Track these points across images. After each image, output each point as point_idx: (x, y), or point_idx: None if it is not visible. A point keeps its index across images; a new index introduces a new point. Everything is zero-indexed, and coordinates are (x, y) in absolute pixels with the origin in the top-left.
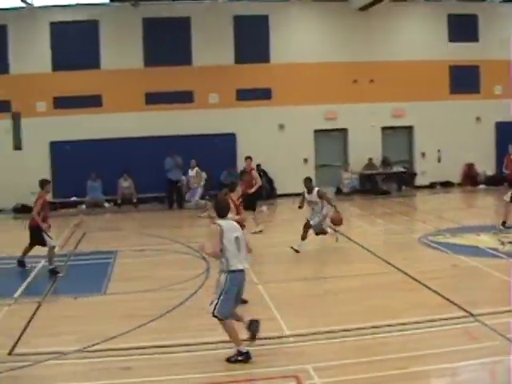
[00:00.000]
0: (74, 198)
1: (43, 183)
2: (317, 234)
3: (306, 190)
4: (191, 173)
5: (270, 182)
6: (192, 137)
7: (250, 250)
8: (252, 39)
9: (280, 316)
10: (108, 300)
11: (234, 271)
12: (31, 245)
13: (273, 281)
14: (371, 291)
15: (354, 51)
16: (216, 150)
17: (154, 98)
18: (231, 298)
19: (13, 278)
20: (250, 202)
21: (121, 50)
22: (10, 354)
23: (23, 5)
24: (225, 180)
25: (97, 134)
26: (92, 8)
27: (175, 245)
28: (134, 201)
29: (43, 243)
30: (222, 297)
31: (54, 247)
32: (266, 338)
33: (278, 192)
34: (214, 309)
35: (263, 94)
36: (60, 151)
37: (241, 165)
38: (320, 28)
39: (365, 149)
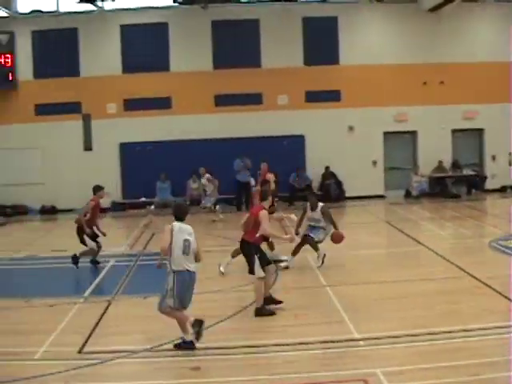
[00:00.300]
0: (143, 199)
1: (95, 189)
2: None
3: (309, 206)
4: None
5: (338, 184)
6: (261, 138)
7: (199, 259)
8: (321, 41)
9: (348, 319)
10: None
11: (178, 271)
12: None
13: (341, 283)
14: (441, 296)
15: (423, 53)
16: (285, 152)
17: (223, 100)
18: (178, 295)
19: (83, 277)
20: None
21: (190, 53)
22: (79, 352)
23: (94, 8)
24: (293, 182)
25: (166, 136)
26: (161, 11)
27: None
28: (202, 201)
29: (85, 243)
30: (167, 294)
31: (97, 250)
32: (335, 341)
33: (347, 194)
34: (160, 305)
35: (332, 96)
36: (129, 152)
37: (310, 166)
38: (389, 29)
39: (435, 151)
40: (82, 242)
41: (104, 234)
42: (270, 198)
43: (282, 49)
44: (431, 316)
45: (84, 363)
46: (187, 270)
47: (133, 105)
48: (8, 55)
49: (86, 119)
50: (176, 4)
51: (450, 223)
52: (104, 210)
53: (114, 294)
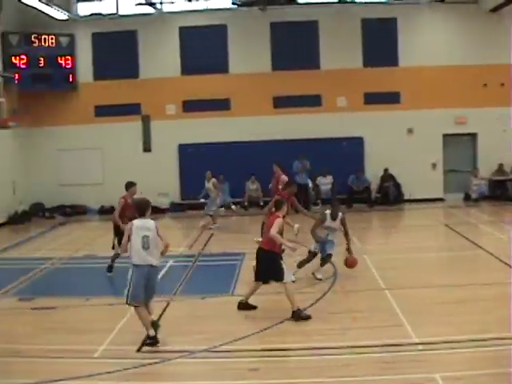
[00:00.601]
0: (201, 200)
1: (127, 186)
2: (322, 265)
3: (330, 214)
4: (207, 185)
5: (397, 186)
6: (319, 140)
7: (163, 252)
8: (380, 42)
9: (407, 322)
10: (236, 301)
11: (137, 265)
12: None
13: (400, 287)
14: (502, 301)
15: (484, 54)
16: (343, 154)
17: (282, 102)
18: (138, 288)
19: None
20: None
21: (249, 54)
22: (138, 350)
23: (153, 10)
24: (352, 184)
25: (225, 137)
26: (220, 13)
27: (302, 248)
28: (261, 203)
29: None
30: (130, 287)
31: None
32: (393, 345)
33: (406, 197)
34: (127, 298)
35: (391, 98)
36: (188, 153)
37: (368, 169)
38: (449, 30)
39: (495, 154)
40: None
41: None
42: (285, 207)
43: (340, 50)
44: (490, 321)
45: (142, 362)
46: (148, 265)
47: (192, 106)
48: (68, 57)
49: (146, 120)
50: (234, 6)
51: (510, 227)
52: (163, 211)
53: (173, 295)
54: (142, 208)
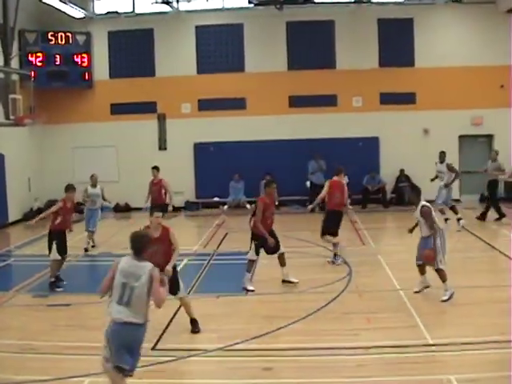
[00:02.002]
0: (216, 199)
1: (67, 188)
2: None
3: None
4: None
5: (412, 187)
6: (335, 140)
7: (159, 303)
8: (396, 42)
9: (422, 324)
10: (250, 300)
11: (113, 320)
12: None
13: (415, 288)
14: None
15: (501, 55)
16: (359, 154)
17: (298, 101)
18: (113, 348)
19: None
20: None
21: (265, 53)
22: (153, 348)
23: (169, 9)
24: (367, 184)
25: (240, 136)
26: (237, 12)
27: (317, 248)
28: (276, 203)
29: (49, 249)
30: (105, 344)
31: (57, 260)
32: (407, 346)
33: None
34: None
35: (407, 98)
36: (204, 152)
37: (383, 169)
38: (466, 31)
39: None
40: (49, 248)
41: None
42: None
43: (356, 50)
44: (506, 323)
45: (157, 360)
46: (119, 322)
47: (207, 105)
48: (85, 55)
49: (161, 119)
50: (251, 5)
51: None
52: (178, 209)
53: (187, 293)
54: (135, 243)
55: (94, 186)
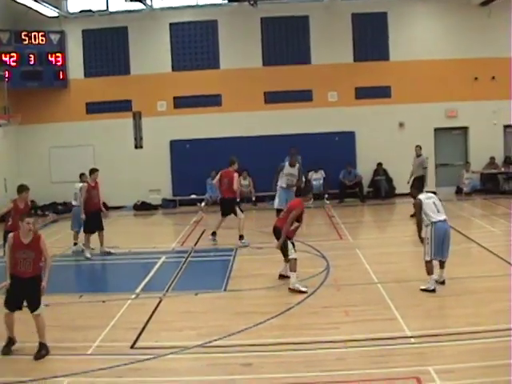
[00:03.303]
0: (193, 196)
1: (19, 189)
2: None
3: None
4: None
5: (389, 181)
6: (311, 135)
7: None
8: (371, 37)
9: (401, 316)
10: (228, 296)
11: None
12: None
13: (392, 280)
14: (495, 294)
15: (474, 48)
16: (335, 149)
17: (273, 97)
18: None
19: (134, 274)
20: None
21: (239, 50)
22: (132, 347)
23: (143, 7)
24: (344, 178)
25: (216, 133)
26: (211, 8)
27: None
28: (253, 199)
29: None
30: None
31: None
32: (386, 339)
33: (397, 191)
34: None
35: (382, 92)
36: (180, 149)
37: (361, 163)
38: (439, 24)
39: (486, 148)
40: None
41: None
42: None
43: (331, 45)
44: (483, 314)
45: (137, 358)
46: None
47: (183, 102)
48: (59, 54)
49: (137, 117)
50: (225, 1)
51: (502, 220)
52: (155, 207)
53: (166, 291)
54: None
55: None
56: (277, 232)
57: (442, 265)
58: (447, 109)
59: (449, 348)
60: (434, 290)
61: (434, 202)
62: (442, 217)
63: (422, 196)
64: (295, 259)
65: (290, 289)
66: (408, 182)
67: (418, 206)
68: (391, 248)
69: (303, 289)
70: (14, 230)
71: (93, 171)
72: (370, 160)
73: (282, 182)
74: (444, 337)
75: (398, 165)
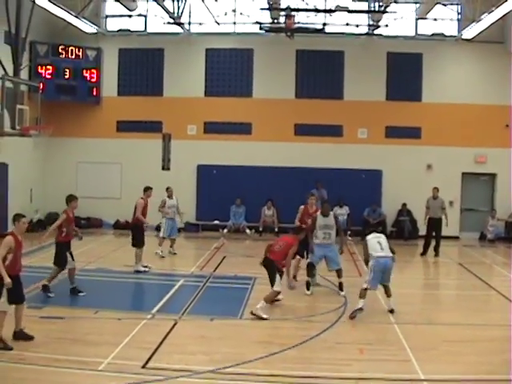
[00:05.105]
0: (216, 222)
1: (68, 200)
2: None
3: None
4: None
5: (413, 222)
6: (338, 170)
7: None
8: (404, 77)
9: (415, 359)
10: (243, 324)
11: None
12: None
13: (409, 322)
14: (510, 343)
15: (507, 94)
16: (361, 186)
17: (303, 130)
18: None
19: (151, 294)
20: None
21: (273, 80)
22: (143, 367)
23: (181, 30)
24: (368, 216)
25: (244, 161)
26: (247, 37)
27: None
28: (276, 230)
29: (60, 263)
30: None
31: (74, 268)
32: (399, 380)
33: (421, 233)
34: None
35: (412, 133)
36: (207, 174)
37: (386, 202)
38: (473, 69)
39: None
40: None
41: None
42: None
43: (364, 82)
44: (497, 363)
45: (147, 379)
46: None
47: (213, 128)
48: (94, 71)
49: (166, 139)
50: (262, 31)
51: None
52: (178, 230)
53: (181, 314)
54: None
55: (170, 197)
56: (269, 263)
57: (387, 294)
58: (476, 154)
59: None
60: (361, 309)
61: (378, 241)
62: (383, 253)
63: (369, 236)
64: (278, 292)
65: (251, 312)
66: (424, 223)
67: (364, 244)
68: (410, 289)
69: (265, 316)
70: (69, 240)
71: (147, 189)
72: (395, 200)
73: (316, 237)
74: (457, 383)
75: (423, 206)
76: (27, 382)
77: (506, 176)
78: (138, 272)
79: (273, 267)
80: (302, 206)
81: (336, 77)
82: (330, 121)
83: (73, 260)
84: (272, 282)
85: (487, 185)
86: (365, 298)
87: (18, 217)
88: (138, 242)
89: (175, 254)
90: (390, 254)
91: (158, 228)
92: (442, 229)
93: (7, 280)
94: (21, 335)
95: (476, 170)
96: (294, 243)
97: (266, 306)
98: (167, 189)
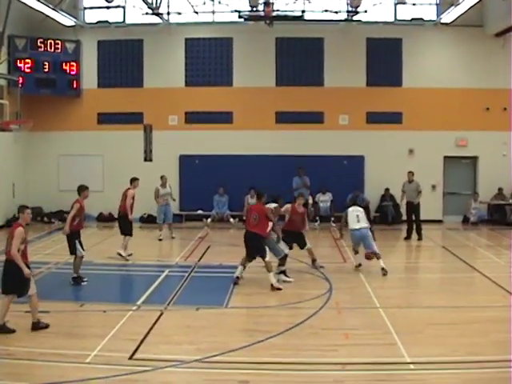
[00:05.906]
0: (199, 211)
1: (80, 189)
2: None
3: None
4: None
5: (396, 206)
6: (320, 157)
7: None
8: (384, 62)
9: (400, 342)
10: (229, 313)
11: None
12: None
13: (395, 306)
14: (496, 324)
15: (487, 78)
16: (344, 172)
17: (285, 117)
18: None
19: (136, 285)
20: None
21: (253, 68)
22: (130, 358)
23: (159, 21)
24: (350, 202)
25: (226, 150)
26: (226, 26)
27: (299, 264)
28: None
29: (73, 251)
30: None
31: (82, 257)
32: (385, 363)
33: (404, 218)
34: None
35: (394, 118)
36: (189, 164)
37: (369, 188)
38: (453, 53)
39: (495, 178)
40: (72, 251)
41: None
42: None
43: (345, 68)
44: (484, 344)
45: (134, 370)
46: None
47: (194, 118)
48: (73, 63)
49: (148, 130)
50: (241, 20)
51: (507, 251)
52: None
53: (167, 304)
54: None
55: (163, 185)
56: (251, 236)
57: (376, 257)
58: (457, 138)
59: (448, 376)
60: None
61: (356, 215)
62: (358, 225)
63: (349, 209)
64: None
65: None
66: (402, 207)
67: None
68: (395, 273)
69: (289, 279)
70: (81, 227)
71: (133, 180)
72: (378, 185)
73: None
74: (443, 365)
75: None
76: (15, 376)
77: (488, 159)
78: (119, 255)
79: (256, 239)
80: (289, 205)
81: (316, 64)
82: (310, 108)
83: (82, 249)
84: (259, 253)
85: (469, 168)
86: (358, 253)
87: (22, 208)
88: (127, 230)
89: (173, 237)
90: (365, 225)
91: (141, 219)
92: (420, 212)
93: (26, 270)
94: (3, 329)
95: (457, 153)
96: (266, 209)
97: (275, 276)
98: (161, 177)
